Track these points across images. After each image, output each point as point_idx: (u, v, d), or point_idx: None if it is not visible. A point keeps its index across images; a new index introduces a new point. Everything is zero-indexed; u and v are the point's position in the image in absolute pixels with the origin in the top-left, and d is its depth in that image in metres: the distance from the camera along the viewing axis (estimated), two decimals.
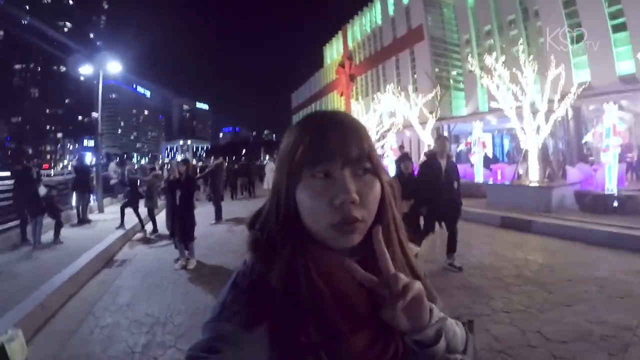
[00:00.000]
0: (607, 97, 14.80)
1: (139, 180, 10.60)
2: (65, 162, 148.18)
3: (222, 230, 10.62)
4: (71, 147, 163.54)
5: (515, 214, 9.96)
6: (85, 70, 15.85)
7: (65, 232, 9.27)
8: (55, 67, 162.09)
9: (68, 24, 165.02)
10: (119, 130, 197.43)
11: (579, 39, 21.76)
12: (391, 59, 40.98)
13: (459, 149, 25.97)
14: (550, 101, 12.36)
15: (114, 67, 15.94)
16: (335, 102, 53.22)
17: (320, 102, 61.03)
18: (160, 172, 11.47)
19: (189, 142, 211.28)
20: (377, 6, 44.34)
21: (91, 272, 6.72)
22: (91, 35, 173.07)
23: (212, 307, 0.70)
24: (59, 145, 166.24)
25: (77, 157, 13.51)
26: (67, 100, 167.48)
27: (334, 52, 58.39)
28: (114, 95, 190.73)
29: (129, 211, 10.29)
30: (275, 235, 0.73)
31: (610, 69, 20.50)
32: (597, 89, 17.79)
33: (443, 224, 6.36)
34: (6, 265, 6.99)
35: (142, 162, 38.91)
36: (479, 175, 14.81)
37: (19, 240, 8.66)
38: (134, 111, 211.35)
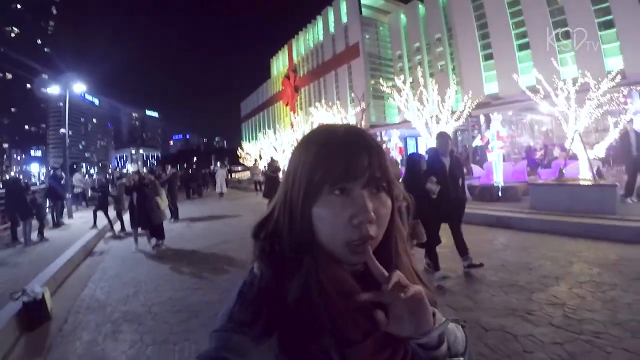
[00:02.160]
0: (512, 106, 17.71)
1: (109, 187, 12.52)
2: (12, 172, 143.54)
3: (180, 226, 12.92)
4: (18, 157, 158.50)
5: None
6: (52, 90, 17.27)
7: (46, 233, 11.06)
8: (0, 75, 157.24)
9: (15, 29, 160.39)
10: (67, 142, 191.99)
11: (488, 57, 25.10)
12: (331, 73, 43.94)
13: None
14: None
15: (79, 87, 17.48)
16: (282, 111, 55.46)
17: (268, 111, 63.35)
18: (125, 181, 13.34)
19: (140, 150, 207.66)
20: (320, 24, 47.46)
21: (79, 260, 8.66)
22: (39, 41, 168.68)
23: (219, 316, 0.70)
24: (4, 156, 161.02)
25: (52, 170, 15.10)
26: (12, 109, 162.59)
27: (280, 64, 60.66)
28: (61, 104, 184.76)
29: (99, 214, 12.30)
30: (288, 248, 0.74)
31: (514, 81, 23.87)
32: (505, 98, 20.72)
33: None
34: (7, 257, 8.87)
35: (92, 171, 39.60)
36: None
37: (10, 240, 10.41)
38: (82, 119, 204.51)
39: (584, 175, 10.41)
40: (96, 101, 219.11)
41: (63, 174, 14.92)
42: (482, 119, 18.41)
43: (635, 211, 8.29)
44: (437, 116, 14.61)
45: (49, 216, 13.36)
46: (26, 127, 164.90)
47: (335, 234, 0.70)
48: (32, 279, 6.30)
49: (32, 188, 12.12)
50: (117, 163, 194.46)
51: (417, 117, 15.01)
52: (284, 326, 0.67)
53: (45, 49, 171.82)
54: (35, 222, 10.76)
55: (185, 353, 4.07)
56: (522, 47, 24.28)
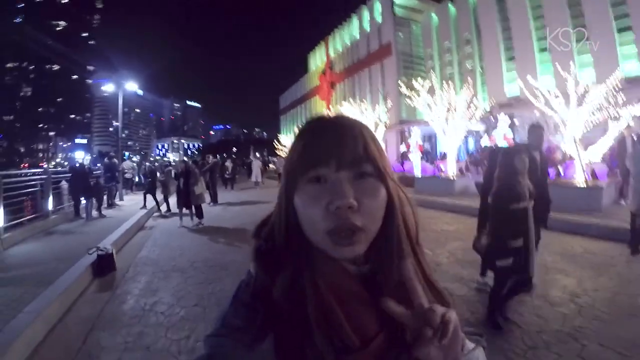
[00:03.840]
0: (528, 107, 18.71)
1: (157, 173, 14.33)
2: (58, 159, 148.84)
3: (218, 209, 14.68)
4: (64, 145, 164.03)
5: (428, 196, 13.63)
6: (107, 87, 19.27)
7: (103, 211, 12.97)
8: (47, 66, 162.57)
9: (62, 22, 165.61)
10: (110, 128, 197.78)
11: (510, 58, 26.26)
12: (365, 70, 44.83)
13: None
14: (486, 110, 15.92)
15: (131, 86, 19.42)
16: (318, 106, 56.41)
17: (305, 106, 64.38)
18: (172, 168, 15.09)
19: (181, 140, 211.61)
20: (355, 22, 48.37)
21: (133, 232, 10.35)
22: (84, 34, 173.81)
23: (214, 319, 0.70)
24: (50, 144, 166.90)
25: (108, 156, 17.01)
26: (59, 99, 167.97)
27: (317, 60, 61.62)
28: (105, 94, 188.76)
29: (149, 197, 14.29)
30: (279, 245, 0.71)
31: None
32: (525, 100, 21.80)
33: None
34: (74, 228, 10.67)
35: (134, 159, 41.64)
36: (418, 169, 18.62)
37: (73, 216, 12.26)
38: (126, 109, 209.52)
39: (579, 177, 11.16)
40: (140, 92, 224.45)
41: (116, 161, 16.75)
42: (505, 119, 19.24)
43: (623, 212, 8.50)
44: (452, 115, 15.75)
45: (104, 197, 15.26)
46: (71, 116, 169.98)
47: (313, 223, 0.66)
48: (98, 243, 7.86)
49: (95, 173, 13.91)
50: (159, 151, 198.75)
51: (435, 116, 16.17)
52: (279, 330, 0.65)
53: (90, 42, 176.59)
54: (94, 203, 12.61)
55: (217, 288, 5.74)
56: (542, 49, 25.27)
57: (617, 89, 11.66)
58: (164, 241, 9.46)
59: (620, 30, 21.91)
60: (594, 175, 11.71)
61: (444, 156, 16.49)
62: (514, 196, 3.95)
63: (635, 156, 7.05)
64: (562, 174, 12.26)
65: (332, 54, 55.44)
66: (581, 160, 11.10)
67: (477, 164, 18.82)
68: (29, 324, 4.17)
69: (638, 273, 5.73)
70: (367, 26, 45.86)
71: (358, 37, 47.98)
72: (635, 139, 9.59)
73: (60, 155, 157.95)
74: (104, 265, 6.67)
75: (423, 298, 0.65)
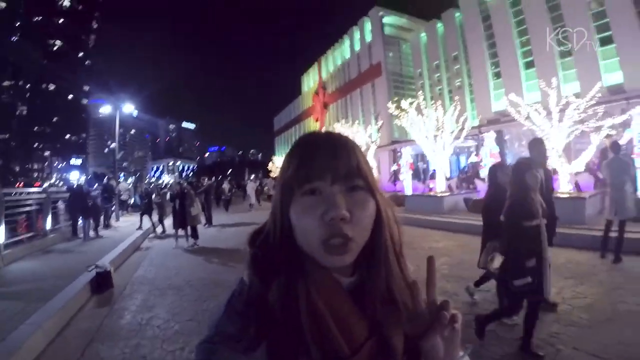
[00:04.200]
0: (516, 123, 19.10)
1: (153, 195, 14.58)
2: (53, 179, 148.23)
3: (213, 230, 14.93)
4: (58, 165, 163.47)
5: (418, 214, 13.82)
6: (104, 109, 19.66)
7: (100, 232, 13.22)
8: (44, 85, 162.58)
9: (58, 42, 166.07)
10: (106, 150, 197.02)
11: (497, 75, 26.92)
12: (357, 91, 45.35)
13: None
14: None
15: (128, 108, 19.81)
16: (312, 127, 56.40)
17: (299, 127, 64.75)
18: (168, 190, 15.34)
19: (177, 162, 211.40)
20: (347, 42, 48.94)
21: (129, 252, 10.61)
22: (80, 54, 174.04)
23: (207, 326, 0.72)
24: (46, 164, 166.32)
25: (106, 179, 17.27)
26: (54, 119, 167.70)
27: (310, 81, 62.11)
28: (101, 115, 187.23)
29: (145, 218, 14.49)
30: (274, 255, 0.73)
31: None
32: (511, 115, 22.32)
33: None
34: (72, 247, 10.98)
35: (129, 181, 41.71)
36: (408, 188, 18.94)
37: (70, 235, 12.54)
38: (121, 130, 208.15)
39: (564, 188, 11.47)
40: (135, 113, 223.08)
41: (114, 183, 17.02)
42: (491, 135, 19.52)
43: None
44: (440, 133, 16.10)
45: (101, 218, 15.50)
46: (67, 136, 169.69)
47: (308, 233, 0.70)
48: (96, 262, 8.10)
49: (92, 194, 14.17)
50: (154, 173, 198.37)
51: (423, 135, 16.46)
52: (272, 337, 0.67)
53: (86, 62, 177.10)
54: (92, 223, 12.84)
55: (211, 305, 6.00)
56: (528, 65, 26.02)
57: (596, 100, 11.96)
58: (160, 261, 9.71)
59: (602, 43, 22.54)
60: (577, 186, 11.98)
61: (433, 174, 16.82)
62: (527, 213, 3.86)
63: (613, 166, 7.40)
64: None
65: (324, 74, 56.01)
66: (565, 172, 11.44)
67: (467, 181, 19.20)
68: (30, 335, 4.43)
69: (619, 281, 5.97)
70: (357, 46, 46.55)
71: (349, 57, 48.65)
72: (610, 148, 9.75)
73: (55, 175, 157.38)
74: (102, 283, 6.92)
75: (436, 296, 0.72)
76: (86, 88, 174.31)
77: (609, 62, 22.27)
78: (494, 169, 5.46)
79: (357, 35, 46.52)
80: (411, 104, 16.58)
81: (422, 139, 16.54)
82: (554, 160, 11.75)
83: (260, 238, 0.79)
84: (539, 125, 12.23)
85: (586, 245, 8.10)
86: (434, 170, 16.69)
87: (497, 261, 4.32)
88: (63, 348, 4.64)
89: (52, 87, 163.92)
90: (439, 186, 16.22)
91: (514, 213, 3.93)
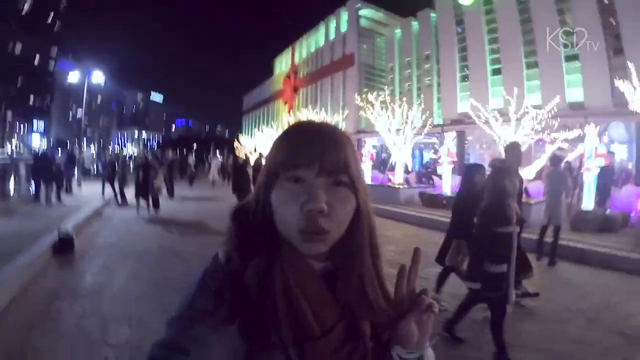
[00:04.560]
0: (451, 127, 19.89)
1: (116, 164, 14.74)
2: (13, 143, 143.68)
3: (175, 202, 15.38)
4: (22, 128, 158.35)
5: (375, 203, 14.34)
6: (72, 77, 19.55)
7: (62, 198, 13.39)
8: (10, 45, 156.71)
9: (27, 4, 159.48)
10: (70, 117, 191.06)
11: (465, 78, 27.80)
12: (328, 78, 45.49)
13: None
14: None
15: (98, 77, 19.68)
16: (281, 109, 56.65)
17: (268, 108, 64.51)
18: (129, 161, 15.51)
19: (142, 133, 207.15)
20: (322, 30, 49.00)
21: (91, 219, 10.81)
22: (49, 17, 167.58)
23: (179, 303, 0.73)
24: (7, 128, 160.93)
25: (72, 147, 17.25)
26: (19, 82, 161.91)
27: (283, 64, 61.80)
28: (68, 81, 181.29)
29: (107, 186, 14.70)
30: (254, 234, 0.75)
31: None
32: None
33: None
34: (35, 211, 11.22)
35: (92, 149, 40.96)
36: (368, 178, 19.14)
37: (32, 200, 12.69)
38: (87, 97, 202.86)
39: None
40: (101, 79, 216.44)
41: (77, 150, 17.07)
42: (451, 135, 20.14)
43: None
44: (403, 127, 16.76)
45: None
46: (31, 99, 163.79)
47: (287, 220, 0.71)
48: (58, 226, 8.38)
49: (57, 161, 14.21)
50: (119, 143, 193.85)
51: (386, 128, 17.09)
52: (246, 315, 0.69)
53: (55, 26, 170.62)
54: (54, 188, 13.00)
55: (168, 271, 6.40)
56: (496, 72, 26.82)
57: (554, 114, 12.83)
58: (121, 228, 10.06)
59: (567, 59, 23.43)
60: (527, 192, 12.65)
61: (393, 167, 17.41)
62: (502, 219, 3.87)
63: (552, 177, 8.06)
64: None
65: (297, 59, 55.98)
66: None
67: (425, 176, 19.93)
68: None
69: (549, 282, 6.54)
70: (332, 35, 46.70)
71: (323, 44, 48.81)
72: (549, 161, 10.01)
73: (16, 139, 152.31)
74: (64, 246, 7.20)
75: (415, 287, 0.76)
76: (54, 52, 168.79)
77: (573, 78, 23.15)
78: (471, 169, 5.52)
79: (332, 24, 46.68)
80: (377, 97, 17.10)
81: (386, 132, 17.12)
82: None
83: (242, 215, 0.80)
84: (496, 131, 12.97)
85: (527, 248, 8.62)
86: (394, 162, 17.26)
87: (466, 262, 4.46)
88: (27, 304, 4.93)
89: (18, 48, 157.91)
90: (397, 178, 16.80)
91: (489, 218, 3.96)
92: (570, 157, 12.22)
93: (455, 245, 5.07)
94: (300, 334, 0.69)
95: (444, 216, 11.65)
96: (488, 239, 3.87)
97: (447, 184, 14.68)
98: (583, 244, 8.42)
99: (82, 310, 4.72)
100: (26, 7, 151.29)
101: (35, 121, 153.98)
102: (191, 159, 27.05)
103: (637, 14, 19.18)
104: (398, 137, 16.74)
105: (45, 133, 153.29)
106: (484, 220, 3.99)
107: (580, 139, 12.11)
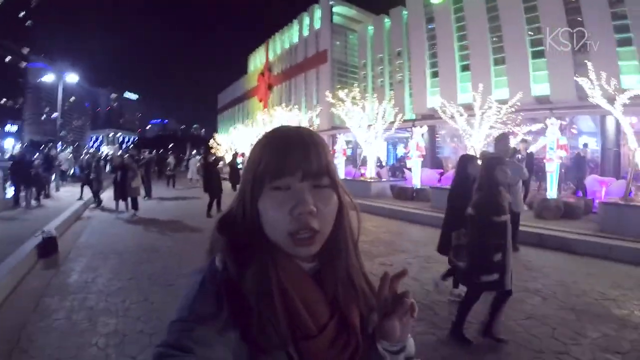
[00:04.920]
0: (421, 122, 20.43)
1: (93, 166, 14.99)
2: None
3: (153, 202, 15.77)
4: None
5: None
6: (47, 78, 19.59)
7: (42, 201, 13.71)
8: None
9: None
10: (43, 117, 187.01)
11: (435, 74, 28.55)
12: (301, 75, 45.97)
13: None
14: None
15: (72, 78, 19.78)
16: (255, 107, 56.68)
17: (243, 105, 64.76)
18: (104, 163, 15.70)
19: (117, 133, 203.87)
20: (296, 27, 49.34)
21: (72, 221, 11.12)
22: (21, 14, 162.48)
23: (178, 307, 0.72)
24: None
25: (48, 149, 17.35)
26: None
27: (257, 61, 62.10)
28: (40, 79, 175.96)
29: (85, 188, 14.91)
30: (245, 242, 0.78)
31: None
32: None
33: None
34: (16, 215, 11.47)
35: (67, 150, 40.23)
36: (341, 173, 19.71)
37: (12, 204, 12.86)
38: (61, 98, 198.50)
39: None
40: (75, 79, 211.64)
41: (54, 152, 17.18)
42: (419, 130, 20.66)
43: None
44: (374, 123, 17.30)
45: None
46: (2, 100, 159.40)
47: (276, 226, 0.75)
48: (40, 229, 8.51)
49: (35, 163, 14.37)
50: (93, 144, 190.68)
51: (356, 124, 17.65)
52: (245, 318, 0.71)
53: (27, 22, 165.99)
54: (33, 192, 13.25)
55: (149, 267, 6.85)
56: (464, 68, 27.51)
57: (519, 108, 13.56)
58: (102, 229, 10.40)
59: (534, 56, 24.22)
60: None
61: (365, 161, 17.98)
62: (496, 209, 3.97)
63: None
64: None
65: (271, 56, 56.30)
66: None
67: (398, 169, 20.56)
68: None
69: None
70: (306, 32, 47.14)
71: (297, 41, 49.16)
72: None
73: None
74: (48, 247, 7.51)
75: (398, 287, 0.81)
76: (25, 50, 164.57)
77: (539, 74, 23.93)
78: (464, 160, 5.57)
79: (306, 21, 47.10)
80: (348, 94, 17.65)
81: (356, 128, 17.67)
82: None
83: (228, 224, 0.82)
84: (461, 125, 13.66)
85: None
86: (366, 157, 17.79)
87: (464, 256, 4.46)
88: (17, 301, 5.30)
89: None
90: (369, 172, 17.41)
91: (484, 208, 4.03)
92: (532, 148, 12.73)
93: (456, 237, 4.96)
94: (298, 333, 0.74)
95: (414, 207, 12.44)
96: (485, 229, 3.99)
97: (417, 177, 15.25)
98: (543, 229, 8.94)
99: (70, 305, 5.08)
100: None
101: (8, 124, 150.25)
102: (170, 158, 26.95)
103: (602, 12, 19.87)
104: (368, 132, 17.29)
105: (18, 135, 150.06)
106: (479, 211, 4.08)
107: (542, 132, 12.79)
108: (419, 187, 14.91)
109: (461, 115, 14.12)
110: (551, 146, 10.92)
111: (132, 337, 4.17)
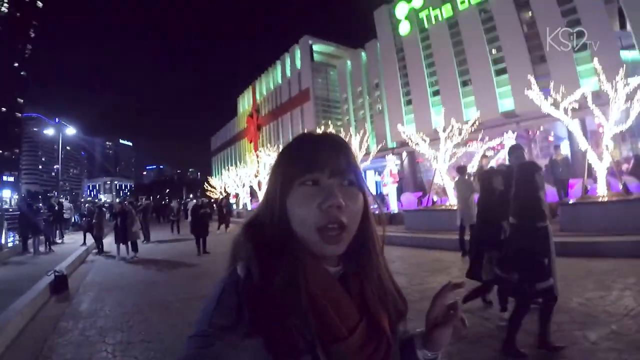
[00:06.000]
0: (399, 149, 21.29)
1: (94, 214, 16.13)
2: None
3: (151, 246, 16.97)
4: None
5: None
6: (47, 132, 20.86)
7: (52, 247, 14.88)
8: None
9: None
10: (40, 166, 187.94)
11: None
12: (287, 114, 46.68)
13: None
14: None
15: (70, 131, 20.98)
16: (247, 148, 57.30)
17: (235, 147, 65.10)
18: (105, 210, 16.74)
19: (114, 181, 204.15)
20: (279, 67, 50.20)
21: (77, 264, 12.32)
22: (16, 64, 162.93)
23: (196, 320, 0.72)
24: None
25: (54, 199, 18.40)
26: None
27: (245, 103, 62.54)
28: (35, 129, 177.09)
29: (88, 235, 16.12)
30: (272, 247, 0.76)
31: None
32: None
33: None
34: (27, 260, 12.70)
35: (62, 200, 40.73)
36: None
37: (21, 250, 14.04)
38: (55, 146, 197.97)
39: (448, 202, 13.88)
40: (73, 132, 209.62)
41: (58, 203, 18.28)
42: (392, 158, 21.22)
43: None
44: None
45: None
46: None
47: (305, 220, 0.75)
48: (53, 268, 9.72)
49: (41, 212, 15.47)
50: (90, 192, 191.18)
51: None
52: (270, 325, 0.68)
53: (22, 73, 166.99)
54: (41, 239, 14.36)
55: (149, 297, 8.02)
56: (435, 93, 28.74)
57: (477, 125, 14.73)
58: (105, 270, 11.59)
59: (497, 73, 25.39)
60: None
61: None
62: (539, 214, 3.94)
63: (459, 185, 9.81)
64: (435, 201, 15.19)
65: (258, 97, 57.01)
66: (449, 188, 13.74)
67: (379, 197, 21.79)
68: (12, 319, 6.07)
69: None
70: (288, 72, 47.81)
71: (281, 82, 49.82)
72: (456, 171, 10.69)
73: None
74: (60, 284, 8.62)
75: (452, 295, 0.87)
76: (20, 101, 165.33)
77: (503, 90, 25.01)
78: (488, 174, 5.50)
79: (288, 61, 47.90)
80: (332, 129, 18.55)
81: None
82: (439, 178, 14.50)
83: (255, 230, 0.82)
84: (423, 151, 15.02)
85: (455, 248, 10.12)
86: None
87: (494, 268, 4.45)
88: (38, 325, 6.43)
89: None
90: None
91: (526, 214, 3.99)
92: (492, 162, 13.48)
93: (488, 259, 4.93)
94: (328, 336, 0.73)
95: (392, 231, 13.25)
96: (531, 235, 3.94)
97: (393, 202, 16.38)
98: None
99: (83, 326, 6.21)
100: None
101: (4, 175, 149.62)
102: (174, 203, 27.43)
103: (555, 25, 20.99)
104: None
105: (15, 185, 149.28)
106: (522, 218, 4.06)
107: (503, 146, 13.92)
108: (396, 211, 15.96)
109: (424, 141, 15.23)
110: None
111: (135, 345, 5.27)
